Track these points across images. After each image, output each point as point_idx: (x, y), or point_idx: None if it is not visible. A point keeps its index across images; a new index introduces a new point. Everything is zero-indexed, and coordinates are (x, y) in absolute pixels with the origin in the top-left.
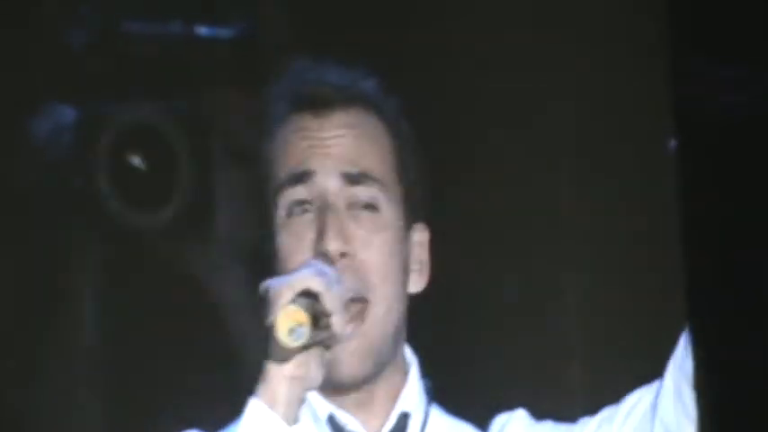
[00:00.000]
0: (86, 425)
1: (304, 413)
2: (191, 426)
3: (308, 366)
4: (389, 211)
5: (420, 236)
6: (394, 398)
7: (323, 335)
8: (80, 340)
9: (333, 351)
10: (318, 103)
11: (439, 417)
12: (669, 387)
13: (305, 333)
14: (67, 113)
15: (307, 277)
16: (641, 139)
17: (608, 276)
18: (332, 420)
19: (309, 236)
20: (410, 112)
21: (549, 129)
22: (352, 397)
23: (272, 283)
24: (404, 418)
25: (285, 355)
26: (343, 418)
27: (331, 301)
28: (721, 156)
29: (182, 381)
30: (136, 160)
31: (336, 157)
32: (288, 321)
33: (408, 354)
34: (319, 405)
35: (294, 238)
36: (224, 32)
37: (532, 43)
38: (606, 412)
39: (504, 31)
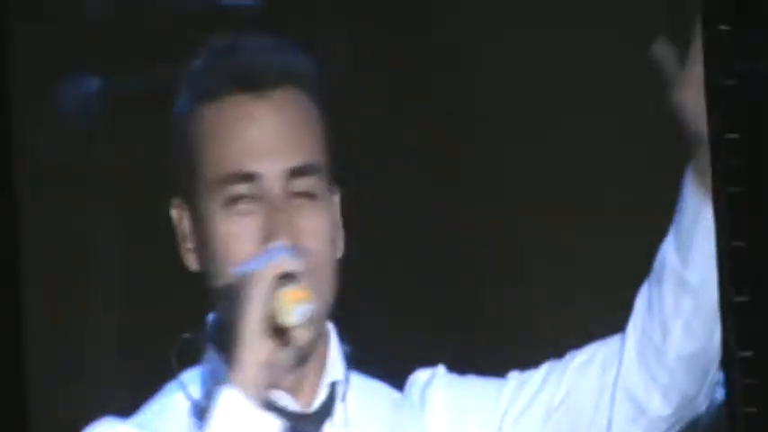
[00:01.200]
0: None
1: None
2: None
3: (278, 353)
4: (324, 195)
5: (336, 201)
6: (321, 368)
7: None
8: (101, 315)
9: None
10: (262, 84)
11: (357, 380)
12: (632, 355)
13: (309, 310)
14: (91, 83)
15: (286, 260)
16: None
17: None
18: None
19: (253, 230)
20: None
21: (578, 95)
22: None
23: (246, 269)
24: (332, 386)
25: (286, 340)
26: (275, 394)
27: (307, 283)
28: (753, 122)
29: None
30: None
31: (281, 151)
32: (292, 301)
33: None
34: None
35: (235, 229)
36: (245, 1)
37: (563, 8)
38: (548, 365)
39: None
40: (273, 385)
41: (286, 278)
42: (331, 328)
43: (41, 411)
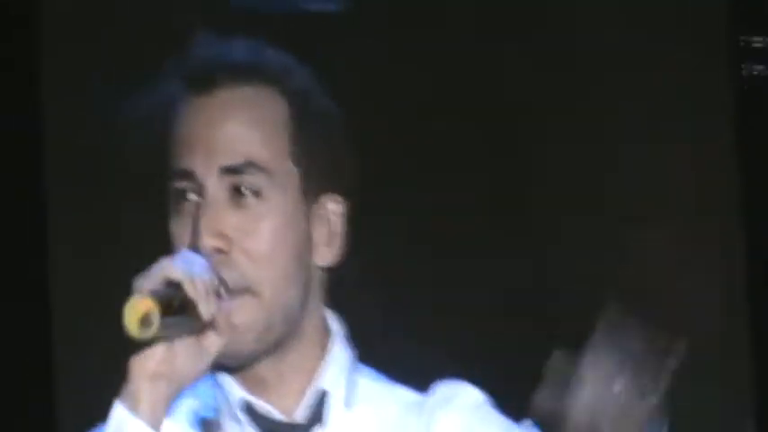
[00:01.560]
0: None
1: (218, 399)
2: None
3: (174, 362)
4: (277, 196)
5: (331, 207)
6: (309, 375)
7: (189, 324)
8: None
9: (211, 338)
10: (208, 82)
11: (369, 386)
12: None
13: (155, 322)
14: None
15: (166, 267)
16: (700, 112)
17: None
18: (244, 404)
19: (188, 229)
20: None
21: (608, 99)
22: (260, 378)
23: (137, 278)
24: (321, 395)
25: (141, 348)
26: (255, 400)
27: (194, 289)
28: None
29: None
30: None
31: (217, 149)
32: (136, 312)
33: (333, 325)
34: (232, 390)
35: (180, 226)
36: (329, 6)
37: (591, 19)
38: None
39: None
40: (172, 398)
41: (172, 285)
42: (338, 331)
43: (69, 412)
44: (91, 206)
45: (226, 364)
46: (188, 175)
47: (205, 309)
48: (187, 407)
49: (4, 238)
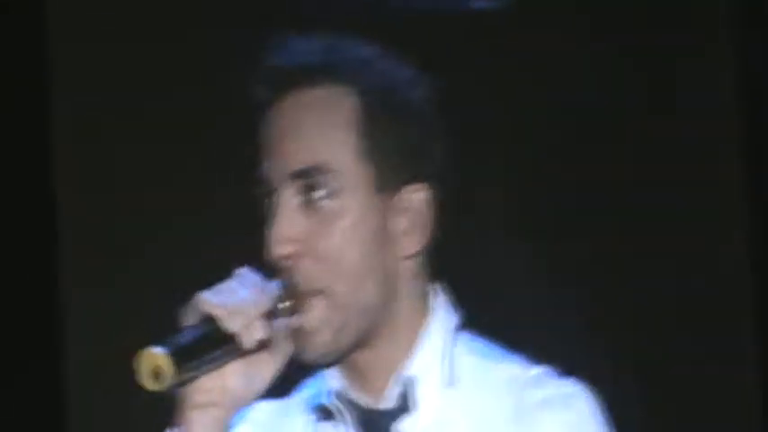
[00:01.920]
0: None
1: (312, 386)
2: None
3: (224, 388)
4: (348, 196)
5: (413, 197)
6: (401, 361)
7: (228, 355)
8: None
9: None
10: (282, 87)
11: (468, 364)
12: None
13: (168, 376)
14: None
15: (202, 301)
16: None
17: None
18: (336, 392)
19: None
20: None
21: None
22: (353, 367)
23: (179, 312)
24: (411, 381)
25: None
26: (346, 388)
27: (232, 322)
28: None
29: None
30: None
31: (286, 154)
32: (146, 366)
33: (434, 304)
34: (328, 379)
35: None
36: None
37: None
38: None
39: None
40: (227, 420)
41: (208, 321)
42: (435, 314)
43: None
44: (103, 210)
45: (314, 364)
46: (265, 181)
47: (246, 338)
48: (305, 394)
49: (13, 242)
